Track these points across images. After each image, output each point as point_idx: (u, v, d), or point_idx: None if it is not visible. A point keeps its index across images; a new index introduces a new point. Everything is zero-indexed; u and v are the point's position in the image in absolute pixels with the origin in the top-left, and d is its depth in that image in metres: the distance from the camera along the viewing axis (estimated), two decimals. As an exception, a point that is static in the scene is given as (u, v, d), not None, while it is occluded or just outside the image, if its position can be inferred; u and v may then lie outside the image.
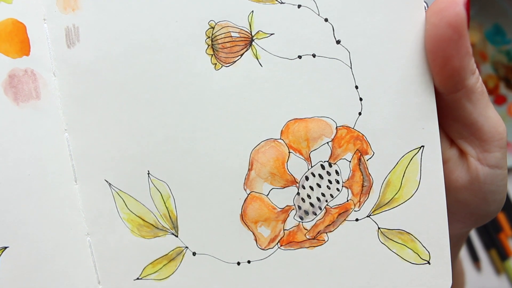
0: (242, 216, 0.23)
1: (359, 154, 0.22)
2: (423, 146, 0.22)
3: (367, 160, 0.22)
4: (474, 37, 0.55)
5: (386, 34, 0.22)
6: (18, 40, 0.22)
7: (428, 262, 0.23)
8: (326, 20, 0.22)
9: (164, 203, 0.23)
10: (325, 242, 0.23)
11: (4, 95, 0.21)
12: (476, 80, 0.21)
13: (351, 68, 0.22)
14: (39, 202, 0.22)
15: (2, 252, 0.21)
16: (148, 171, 0.23)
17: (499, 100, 0.54)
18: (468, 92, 0.21)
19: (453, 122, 0.22)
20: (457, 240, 0.30)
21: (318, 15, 0.22)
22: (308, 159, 0.22)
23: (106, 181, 0.23)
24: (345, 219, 0.23)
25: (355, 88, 0.22)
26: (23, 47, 0.22)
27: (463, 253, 0.59)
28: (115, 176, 0.23)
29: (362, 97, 0.22)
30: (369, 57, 0.22)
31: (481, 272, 0.58)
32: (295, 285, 0.23)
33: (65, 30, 0.22)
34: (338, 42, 0.22)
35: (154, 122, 0.22)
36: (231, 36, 0.22)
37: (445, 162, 0.23)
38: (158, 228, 0.23)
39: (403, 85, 0.22)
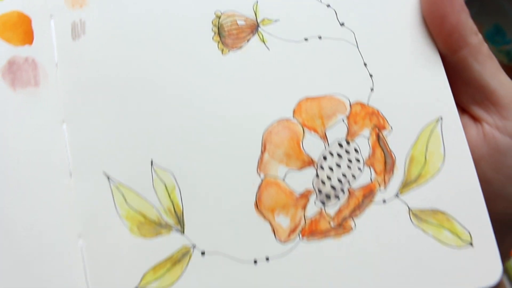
0: (257, 205, 0.20)
1: (377, 129, 0.21)
2: (441, 117, 0.21)
3: (386, 137, 0.21)
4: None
5: (386, 11, 0.22)
6: (22, 30, 0.21)
7: (471, 244, 0.20)
8: (328, 6, 0.23)
9: (169, 195, 0.20)
10: (352, 230, 0.20)
11: (1, 79, 0.20)
12: (480, 42, 0.21)
13: (357, 47, 0.22)
14: (29, 196, 0.19)
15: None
16: (152, 159, 0.21)
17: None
18: (472, 51, 0.21)
19: (463, 86, 0.22)
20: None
21: (320, 1, 0.23)
22: (324, 137, 0.21)
23: (105, 174, 0.21)
24: (371, 202, 0.21)
25: (364, 66, 0.22)
26: (26, 37, 0.21)
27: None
28: (115, 167, 0.21)
29: (372, 74, 0.22)
30: (374, 35, 0.22)
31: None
32: (322, 282, 0.20)
33: (71, 24, 0.22)
34: (342, 24, 0.22)
35: (159, 108, 0.21)
36: (237, 24, 0.22)
37: None
38: (161, 225, 0.20)
39: (410, 59, 0.22)
